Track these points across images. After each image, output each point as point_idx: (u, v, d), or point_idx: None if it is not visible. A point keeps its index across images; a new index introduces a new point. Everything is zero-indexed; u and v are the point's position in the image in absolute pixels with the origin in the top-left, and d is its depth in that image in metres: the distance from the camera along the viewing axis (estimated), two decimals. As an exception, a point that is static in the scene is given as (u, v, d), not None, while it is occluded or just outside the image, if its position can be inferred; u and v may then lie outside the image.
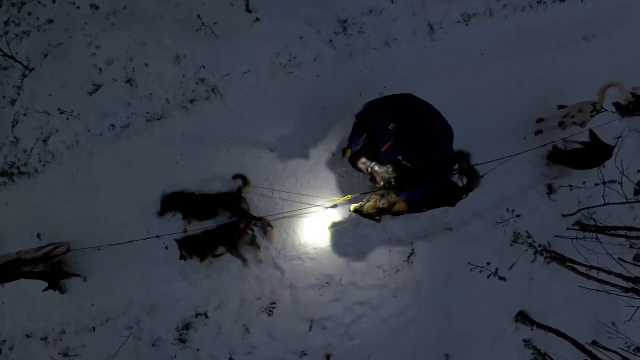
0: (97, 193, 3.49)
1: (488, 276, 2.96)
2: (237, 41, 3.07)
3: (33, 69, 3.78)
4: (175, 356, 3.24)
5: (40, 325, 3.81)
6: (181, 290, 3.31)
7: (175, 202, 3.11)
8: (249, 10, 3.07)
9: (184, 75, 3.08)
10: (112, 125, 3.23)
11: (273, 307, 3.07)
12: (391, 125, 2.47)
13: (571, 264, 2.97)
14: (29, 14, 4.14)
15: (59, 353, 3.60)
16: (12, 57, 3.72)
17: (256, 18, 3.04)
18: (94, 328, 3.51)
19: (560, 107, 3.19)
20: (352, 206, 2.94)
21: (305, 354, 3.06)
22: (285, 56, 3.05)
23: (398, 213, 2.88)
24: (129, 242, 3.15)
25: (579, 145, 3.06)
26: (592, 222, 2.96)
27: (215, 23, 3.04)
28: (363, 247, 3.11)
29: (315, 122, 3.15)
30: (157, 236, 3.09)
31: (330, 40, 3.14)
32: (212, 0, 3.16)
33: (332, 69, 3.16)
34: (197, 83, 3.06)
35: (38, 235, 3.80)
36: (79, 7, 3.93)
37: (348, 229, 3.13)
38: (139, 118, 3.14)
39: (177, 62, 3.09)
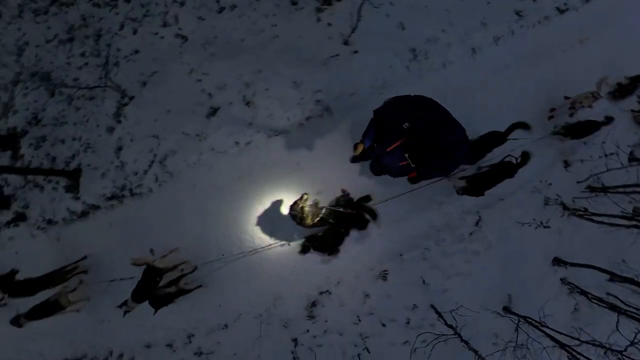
0: (216, 204, 3.93)
1: (536, 227, 4.08)
2: (344, 70, 3.80)
3: (133, 97, 4.11)
4: (308, 330, 3.88)
5: (159, 335, 4.17)
6: (302, 277, 3.93)
7: None
8: (345, 44, 3.82)
9: (302, 98, 3.73)
10: (236, 143, 3.74)
11: (386, 274, 3.86)
12: (405, 124, 2.61)
13: (588, 216, 4.20)
14: (108, 45, 4.43)
15: (194, 354, 3.99)
16: (117, 88, 4.05)
17: (355, 50, 3.81)
18: (226, 325, 3.96)
19: (566, 98, 4.29)
20: None
21: (416, 306, 3.92)
22: (380, 81, 3.86)
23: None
24: (263, 248, 3.70)
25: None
26: (600, 185, 4.18)
27: (330, 57, 3.73)
28: (446, 219, 4.06)
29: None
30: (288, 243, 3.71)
31: (407, 67, 4.00)
32: (310, 34, 3.87)
33: (409, 89, 3.85)
34: (314, 103, 3.73)
35: (151, 250, 4.11)
36: (162, 38, 4.34)
37: (434, 207, 4.04)
38: (261, 135, 3.72)
39: (295, 87, 3.73)
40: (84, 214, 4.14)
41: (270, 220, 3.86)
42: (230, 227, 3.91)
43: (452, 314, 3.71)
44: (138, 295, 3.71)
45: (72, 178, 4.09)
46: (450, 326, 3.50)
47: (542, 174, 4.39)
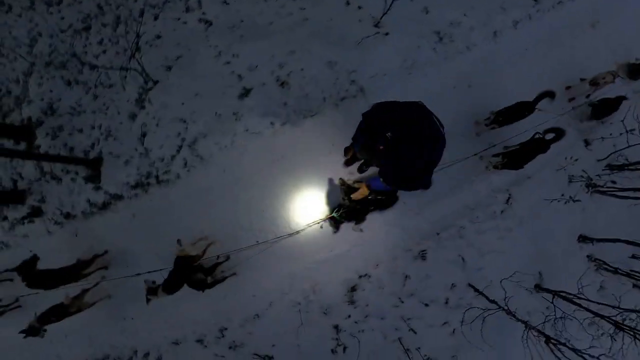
0: (249, 189, 3.81)
1: (565, 202, 4.17)
2: (376, 51, 3.82)
3: (157, 81, 3.98)
4: (349, 316, 3.78)
5: (188, 330, 3.99)
6: (340, 261, 3.84)
7: None
8: (376, 26, 3.85)
9: (337, 78, 3.71)
10: (272, 123, 3.66)
11: (425, 253, 3.84)
12: (388, 133, 2.43)
13: (612, 191, 4.32)
14: (127, 32, 4.29)
15: (229, 347, 3.81)
16: (142, 70, 3.89)
17: (386, 32, 3.84)
18: (257, 315, 3.82)
19: (582, 79, 4.43)
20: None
21: (454, 286, 3.90)
22: (410, 62, 3.89)
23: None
24: (298, 232, 3.59)
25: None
26: (622, 161, 4.31)
27: (363, 38, 3.76)
28: (477, 198, 4.06)
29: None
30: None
31: (434, 48, 4.05)
32: (340, 16, 3.88)
33: (436, 70, 4.06)
34: (350, 84, 3.72)
35: (178, 241, 3.91)
36: (185, 23, 4.25)
37: (465, 186, 4.05)
38: (297, 116, 3.66)
39: (330, 67, 3.71)
40: (105, 206, 3.94)
41: (305, 204, 3.78)
42: (264, 212, 3.79)
43: (502, 284, 3.74)
44: (170, 286, 3.53)
45: (93, 167, 3.91)
46: (493, 301, 3.49)
47: (563, 153, 4.47)
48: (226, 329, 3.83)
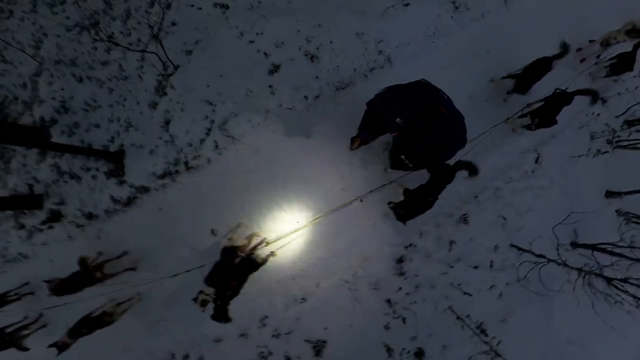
0: (284, 168, 3.67)
1: (594, 155, 4.27)
2: (400, 20, 3.82)
3: (178, 66, 3.83)
4: (400, 288, 3.67)
5: (228, 325, 3.66)
6: (383, 234, 3.73)
7: None
8: (396, -3, 3.85)
9: (366, 49, 3.69)
10: (305, 97, 3.57)
11: (466, 217, 3.79)
12: (398, 119, 2.47)
13: (633, 145, 4.44)
14: (139, 23, 4.16)
15: (272, 336, 3.60)
16: (164, 55, 3.70)
17: (406, 3, 3.86)
18: (304, 299, 3.63)
19: (590, 41, 4.58)
20: None
21: (497, 247, 3.87)
22: (432, 30, 3.93)
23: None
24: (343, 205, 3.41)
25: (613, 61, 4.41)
26: (638, 116, 4.46)
27: (386, 8, 3.75)
28: (508, 160, 4.08)
29: (448, 74, 3.80)
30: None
31: (452, 17, 4.11)
32: (361, -13, 3.86)
33: (455, 38, 4.11)
34: (378, 54, 3.70)
35: (212, 231, 3.72)
36: (200, 9, 4.14)
37: (493, 151, 4.00)
38: (330, 88, 3.60)
39: (359, 38, 3.67)
40: (130, 201, 3.73)
41: (344, 178, 3.67)
42: (300, 190, 3.66)
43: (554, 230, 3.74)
44: (214, 279, 3.22)
45: (115, 160, 3.70)
46: (541, 255, 3.46)
47: (583, 111, 4.60)
48: (267, 316, 3.65)
